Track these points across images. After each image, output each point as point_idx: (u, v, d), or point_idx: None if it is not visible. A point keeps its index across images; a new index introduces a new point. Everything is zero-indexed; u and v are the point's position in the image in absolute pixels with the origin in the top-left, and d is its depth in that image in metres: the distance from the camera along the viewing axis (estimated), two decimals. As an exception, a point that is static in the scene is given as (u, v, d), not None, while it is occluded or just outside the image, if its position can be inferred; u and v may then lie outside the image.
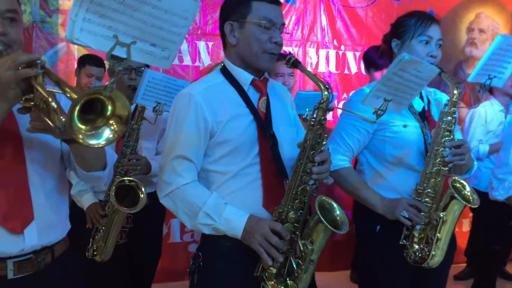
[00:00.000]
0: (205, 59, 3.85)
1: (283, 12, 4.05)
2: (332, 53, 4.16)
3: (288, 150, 1.73)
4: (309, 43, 4.14)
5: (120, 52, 1.24)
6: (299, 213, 1.62)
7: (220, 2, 3.85)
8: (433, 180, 1.91)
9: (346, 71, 4.19)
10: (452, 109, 1.91)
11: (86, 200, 2.60)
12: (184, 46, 3.85)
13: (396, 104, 1.77)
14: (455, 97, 1.91)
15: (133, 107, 2.55)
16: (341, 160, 1.99)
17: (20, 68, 1.25)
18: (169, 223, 3.73)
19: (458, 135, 2.04)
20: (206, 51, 3.88)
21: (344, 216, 1.66)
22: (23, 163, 1.45)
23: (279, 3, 1.72)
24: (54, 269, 1.52)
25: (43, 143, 1.49)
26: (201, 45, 3.90)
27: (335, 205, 1.68)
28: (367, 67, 3.53)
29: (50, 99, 1.23)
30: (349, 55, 4.19)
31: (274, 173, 1.69)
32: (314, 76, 1.63)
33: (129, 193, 2.40)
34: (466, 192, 1.99)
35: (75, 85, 3.39)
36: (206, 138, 1.64)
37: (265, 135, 1.68)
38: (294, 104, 1.95)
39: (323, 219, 1.57)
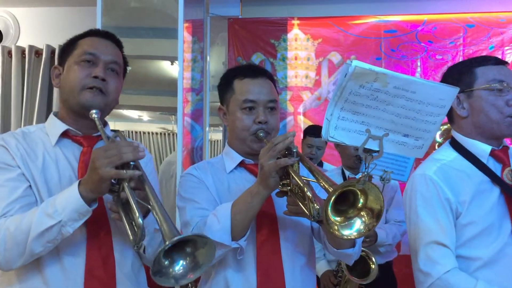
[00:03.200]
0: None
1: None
2: None
3: None
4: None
5: (372, 145, 1.26)
6: None
7: (442, 63, 3.79)
8: None
9: None
10: None
11: (320, 267, 2.68)
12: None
13: None
14: None
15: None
16: None
17: (279, 156, 1.36)
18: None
19: None
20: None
21: None
22: (278, 241, 1.54)
23: (506, 63, 1.59)
24: None
25: (294, 222, 1.58)
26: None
27: None
28: None
29: (305, 189, 1.30)
30: None
31: None
32: None
33: (360, 263, 2.39)
34: None
35: (301, 155, 3.61)
36: (453, 220, 1.52)
37: None
38: None
39: None
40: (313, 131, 3.48)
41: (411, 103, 1.24)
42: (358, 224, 1.25)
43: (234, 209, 1.42)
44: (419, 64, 3.81)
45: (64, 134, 1.49)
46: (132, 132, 8.86)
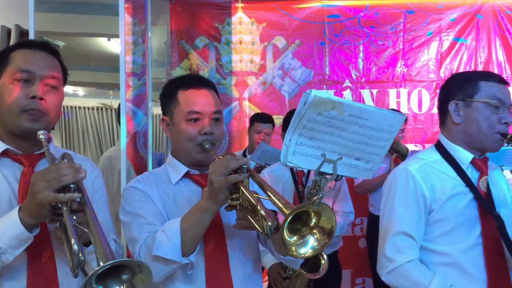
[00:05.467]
0: (370, 107, 3.81)
1: (453, 51, 3.88)
2: (513, 91, 3.80)
3: (510, 233, 1.62)
4: (484, 82, 3.85)
5: (326, 168, 1.30)
6: None
7: (383, 48, 3.88)
8: None
9: (533, 112, 3.77)
10: None
11: (267, 260, 2.69)
12: (348, 95, 3.88)
13: None
14: None
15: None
16: None
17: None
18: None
19: None
20: (371, 99, 3.85)
21: None
22: (225, 251, 1.56)
23: (507, 83, 1.68)
24: None
25: (241, 231, 1.57)
26: (366, 93, 3.87)
27: None
28: None
29: (258, 207, 1.29)
30: (536, 92, 3.77)
31: (501, 256, 1.60)
32: None
33: (311, 258, 2.46)
34: None
35: (247, 142, 3.62)
36: (425, 215, 1.64)
37: (488, 215, 1.61)
38: (509, 184, 1.83)
39: None
40: (261, 117, 3.50)
41: (364, 129, 1.29)
42: (311, 241, 1.28)
43: (184, 225, 1.40)
44: (361, 49, 3.88)
45: (4, 153, 1.40)
46: (67, 107, 8.46)
